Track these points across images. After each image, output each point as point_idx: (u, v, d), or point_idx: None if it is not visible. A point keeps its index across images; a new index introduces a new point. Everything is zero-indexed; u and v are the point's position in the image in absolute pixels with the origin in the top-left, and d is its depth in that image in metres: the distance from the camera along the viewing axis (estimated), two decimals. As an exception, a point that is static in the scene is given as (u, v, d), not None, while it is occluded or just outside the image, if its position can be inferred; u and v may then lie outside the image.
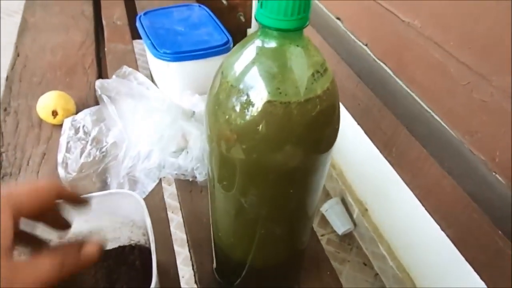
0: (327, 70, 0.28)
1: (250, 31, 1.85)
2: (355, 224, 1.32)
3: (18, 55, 0.95)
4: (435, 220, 0.49)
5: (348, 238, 1.33)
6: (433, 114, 0.48)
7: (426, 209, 0.51)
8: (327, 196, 1.45)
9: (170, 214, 1.22)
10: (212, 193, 0.39)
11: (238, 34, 1.84)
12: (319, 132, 0.30)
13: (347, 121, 0.95)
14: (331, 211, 1.33)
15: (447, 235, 0.48)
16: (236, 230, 0.40)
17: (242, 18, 1.72)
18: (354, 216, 1.32)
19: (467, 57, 0.40)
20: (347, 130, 1.34)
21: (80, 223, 0.57)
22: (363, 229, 1.28)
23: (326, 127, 0.30)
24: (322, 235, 1.32)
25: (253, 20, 1.82)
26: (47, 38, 1.02)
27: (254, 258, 0.43)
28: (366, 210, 1.28)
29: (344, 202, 1.36)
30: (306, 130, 0.29)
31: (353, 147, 1.30)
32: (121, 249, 0.58)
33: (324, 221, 1.36)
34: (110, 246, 0.58)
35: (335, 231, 1.33)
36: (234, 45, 0.84)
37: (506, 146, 0.37)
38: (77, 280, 0.55)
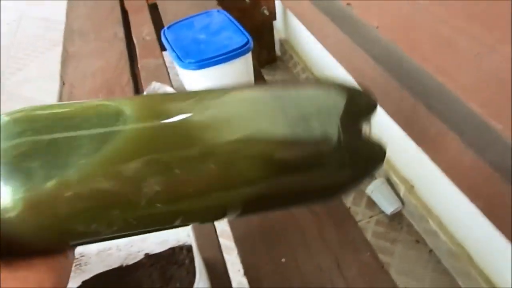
0: None
1: (275, 23, 1.86)
2: (403, 203, 1.31)
3: (63, 84, 1.05)
4: (463, 193, 0.49)
5: (397, 218, 1.32)
6: (449, 89, 0.49)
7: (453, 183, 0.51)
8: (372, 178, 1.44)
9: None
10: None
11: (264, 28, 1.86)
12: None
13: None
14: (377, 192, 1.32)
15: (477, 207, 0.49)
16: None
17: (266, 12, 1.74)
18: (401, 194, 1.31)
19: (474, 29, 0.41)
20: (382, 111, 1.32)
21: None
22: (411, 207, 1.27)
23: None
24: (370, 217, 1.32)
25: (278, 12, 1.83)
26: (87, 64, 1.11)
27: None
28: (412, 187, 1.27)
29: (389, 182, 1.35)
30: None
31: (391, 126, 1.29)
32: (171, 251, 0.63)
33: (371, 203, 1.36)
34: (160, 248, 0.64)
35: (383, 212, 1.33)
36: (255, 44, 0.86)
37: (519, 113, 0.38)
38: (136, 283, 0.61)
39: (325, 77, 0.30)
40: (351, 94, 0.26)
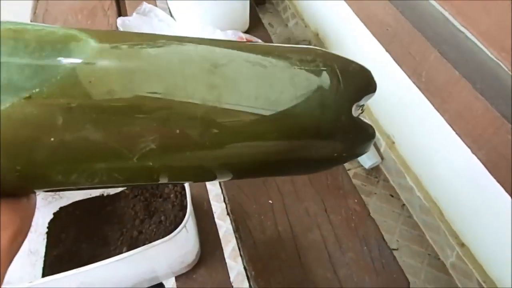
0: None
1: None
2: (382, 158, 1.32)
3: None
4: (466, 144, 0.48)
5: (374, 172, 1.34)
6: (466, 34, 0.46)
7: (456, 133, 0.50)
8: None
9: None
10: None
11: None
12: None
13: (373, 51, 0.91)
14: (358, 145, 1.33)
15: (478, 158, 0.48)
16: None
17: None
18: (381, 149, 1.32)
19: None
20: (372, 62, 1.29)
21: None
22: (390, 162, 1.28)
23: None
24: (348, 169, 1.33)
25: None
26: (64, -19, 1.00)
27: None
28: (393, 143, 1.28)
29: (370, 136, 1.36)
30: None
31: (380, 79, 1.27)
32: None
33: (351, 156, 1.37)
34: (145, 181, 0.61)
35: (361, 165, 1.34)
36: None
37: (546, 61, 0.35)
38: (117, 213, 0.58)
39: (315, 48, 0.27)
40: (346, 75, 0.24)
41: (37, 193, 0.24)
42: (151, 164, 0.20)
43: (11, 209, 0.20)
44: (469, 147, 0.48)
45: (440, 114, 0.52)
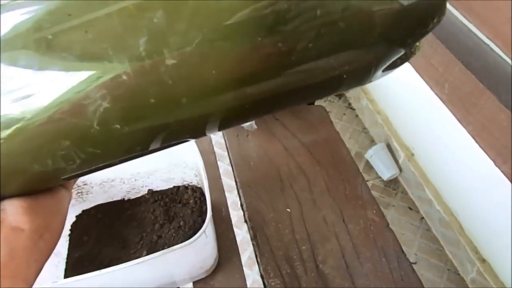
0: None
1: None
2: (400, 170, 1.31)
3: None
4: (489, 156, 0.48)
5: (393, 184, 1.32)
6: (491, 45, 0.46)
7: (479, 145, 0.49)
8: (371, 142, 1.43)
9: (217, 161, 1.25)
10: None
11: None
12: None
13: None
14: (376, 157, 1.32)
15: (502, 171, 0.47)
16: None
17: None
18: (400, 161, 1.31)
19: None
20: (393, 73, 1.29)
21: (137, 164, 0.61)
22: (409, 174, 1.27)
23: None
24: (366, 181, 1.32)
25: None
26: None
27: None
28: (413, 155, 1.26)
29: (389, 147, 1.34)
30: None
31: (400, 90, 1.26)
32: (176, 189, 0.62)
33: (369, 167, 1.36)
34: (165, 186, 0.62)
35: (380, 177, 1.33)
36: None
37: None
38: (138, 217, 0.59)
39: None
40: None
41: (67, 188, 0.24)
42: (118, 126, 0.17)
43: (25, 207, 0.20)
44: (492, 159, 0.48)
45: (463, 125, 0.51)
